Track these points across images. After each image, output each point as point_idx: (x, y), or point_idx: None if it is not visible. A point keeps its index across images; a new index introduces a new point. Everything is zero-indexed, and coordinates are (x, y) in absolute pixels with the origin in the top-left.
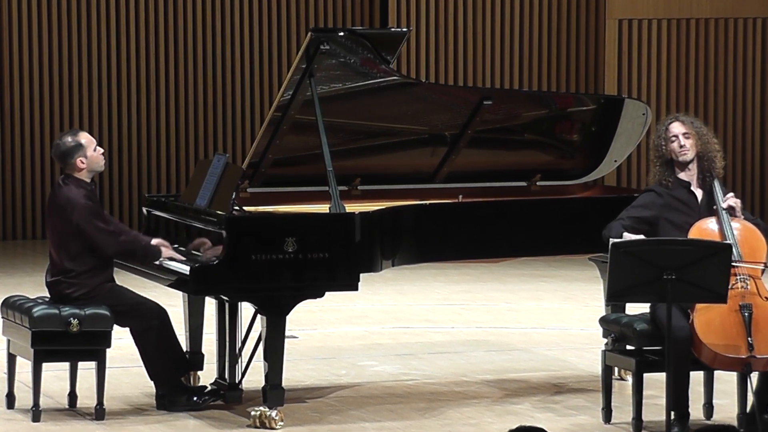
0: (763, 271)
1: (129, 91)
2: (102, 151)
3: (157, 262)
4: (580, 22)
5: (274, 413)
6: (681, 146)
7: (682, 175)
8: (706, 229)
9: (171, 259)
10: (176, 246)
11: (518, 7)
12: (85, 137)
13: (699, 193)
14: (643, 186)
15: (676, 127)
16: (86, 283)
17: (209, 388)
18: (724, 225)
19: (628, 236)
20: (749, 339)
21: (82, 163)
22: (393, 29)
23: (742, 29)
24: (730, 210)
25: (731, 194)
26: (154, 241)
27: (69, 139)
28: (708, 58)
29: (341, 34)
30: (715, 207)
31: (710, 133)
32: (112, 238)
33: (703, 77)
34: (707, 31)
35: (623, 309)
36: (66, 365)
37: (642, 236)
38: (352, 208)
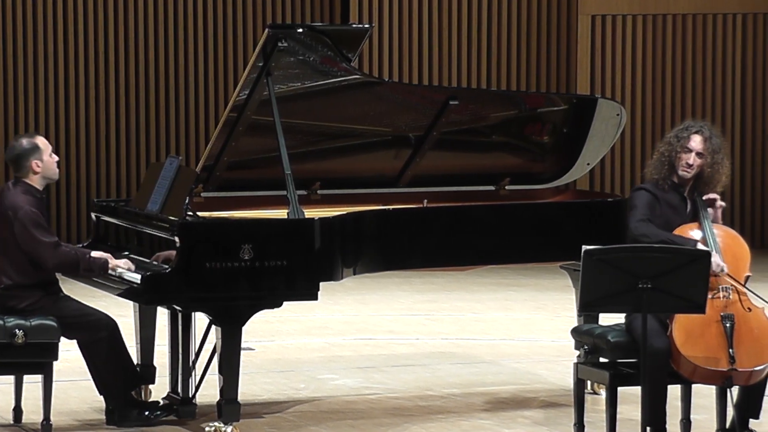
0: (746, 280)
1: (77, 90)
2: (57, 159)
3: (104, 275)
4: (551, 18)
5: (229, 429)
6: (689, 165)
7: (678, 179)
8: (687, 235)
9: (118, 267)
10: (127, 253)
11: (486, 2)
12: (41, 141)
13: (689, 200)
14: (617, 190)
15: (696, 143)
16: (32, 294)
17: (161, 402)
18: (706, 232)
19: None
20: (730, 351)
21: (38, 166)
22: (354, 25)
23: (721, 25)
24: (710, 202)
25: (713, 194)
26: (95, 254)
27: (25, 141)
28: (686, 56)
29: (300, 30)
30: (696, 198)
31: (726, 161)
32: (51, 249)
33: (680, 76)
34: (684, 28)
35: (596, 319)
36: (11, 378)
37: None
38: (312, 213)
